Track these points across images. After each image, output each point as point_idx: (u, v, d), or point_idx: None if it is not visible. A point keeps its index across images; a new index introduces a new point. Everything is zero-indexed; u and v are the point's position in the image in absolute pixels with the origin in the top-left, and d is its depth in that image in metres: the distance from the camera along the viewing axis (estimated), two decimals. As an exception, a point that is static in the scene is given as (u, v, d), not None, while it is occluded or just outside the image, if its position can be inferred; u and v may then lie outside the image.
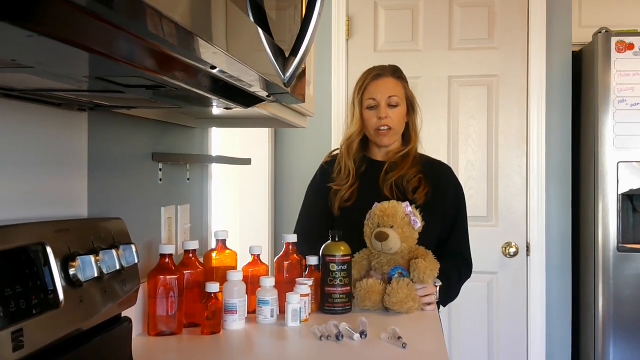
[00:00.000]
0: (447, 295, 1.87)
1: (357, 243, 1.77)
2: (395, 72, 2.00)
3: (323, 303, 1.70)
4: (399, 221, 1.73)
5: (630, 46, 2.55)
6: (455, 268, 1.88)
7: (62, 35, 0.53)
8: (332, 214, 1.96)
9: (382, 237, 1.71)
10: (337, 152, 2.08)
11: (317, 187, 2.05)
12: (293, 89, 1.04)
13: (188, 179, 1.84)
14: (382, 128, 1.94)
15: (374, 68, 2.02)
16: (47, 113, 1.12)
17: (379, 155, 2.02)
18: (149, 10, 0.50)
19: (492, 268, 2.85)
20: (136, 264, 1.20)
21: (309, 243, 1.82)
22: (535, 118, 2.82)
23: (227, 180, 2.71)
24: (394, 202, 1.76)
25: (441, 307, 1.91)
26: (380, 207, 1.76)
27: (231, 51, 0.69)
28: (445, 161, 2.80)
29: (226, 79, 0.85)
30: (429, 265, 1.73)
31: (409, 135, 2.01)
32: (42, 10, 0.47)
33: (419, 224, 1.75)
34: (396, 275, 1.73)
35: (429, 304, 1.76)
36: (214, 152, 2.13)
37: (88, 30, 0.54)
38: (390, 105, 1.94)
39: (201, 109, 1.40)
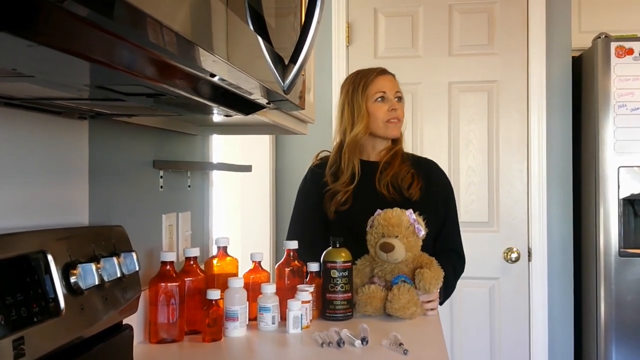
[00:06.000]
0: (445, 292, 1.88)
1: (354, 247, 1.75)
2: (390, 72, 2.06)
3: (324, 309, 1.70)
4: (404, 230, 1.71)
5: (630, 51, 2.55)
6: (449, 265, 1.87)
7: (62, 44, 0.53)
8: (326, 217, 1.96)
9: (388, 249, 1.69)
10: (324, 154, 2.10)
11: (308, 191, 2.05)
12: (293, 95, 1.04)
13: (189, 186, 1.84)
14: (393, 120, 1.97)
15: (372, 68, 2.05)
16: (47, 121, 1.12)
17: (372, 155, 2.04)
18: (149, 20, 0.51)
19: (494, 273, 2.85)
20: (137, 272, 1.21)
21: (304, 249, 1.81)
22: (536, 123, 2.82)
23: (228, 187, 2.71)
24: (397, 211, 1.75)
25: (441, 311, 1.91)
26: (384, 215, 1.74)
27: (231, 59, 0.69)
28: (445, 166, 2.83)
29: (226, 86, 0.85)
30: (434, 275, 1.71)
31: None
32: (42, 20, 0.47)
33: (422, 231, 1.74)
34: (399, 283, 1.73)
35: (432, 309, 1.77)
36: (215, 159, 2.14)
37: (88, 40, 0.54)
38: (397, 99, 2.00)
39: (201, 116, 1.40)
